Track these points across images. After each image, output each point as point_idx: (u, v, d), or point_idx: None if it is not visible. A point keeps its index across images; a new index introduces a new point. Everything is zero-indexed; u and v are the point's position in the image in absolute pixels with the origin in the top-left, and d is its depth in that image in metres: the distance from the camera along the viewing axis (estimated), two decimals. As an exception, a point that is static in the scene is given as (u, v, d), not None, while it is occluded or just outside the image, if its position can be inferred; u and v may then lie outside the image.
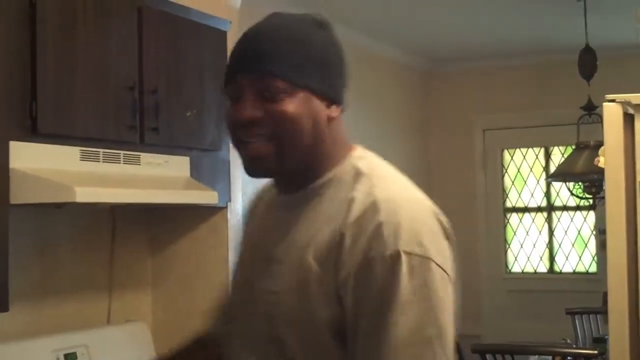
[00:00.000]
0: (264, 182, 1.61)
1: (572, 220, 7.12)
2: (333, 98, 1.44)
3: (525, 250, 7.26)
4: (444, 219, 1.40)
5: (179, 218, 3.32)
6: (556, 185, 6.87)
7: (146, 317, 3.34)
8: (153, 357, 2.98)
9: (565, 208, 7.13)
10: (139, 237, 3.35)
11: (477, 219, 7.26)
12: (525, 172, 7.31)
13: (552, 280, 7.12)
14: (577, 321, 5.41)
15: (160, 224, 3.37)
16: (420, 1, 5.36)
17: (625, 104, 2.80)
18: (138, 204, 2.88)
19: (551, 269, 7.21)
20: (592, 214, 6.89)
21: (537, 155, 7.27)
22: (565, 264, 7.14)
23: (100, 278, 3.18)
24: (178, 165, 2.96)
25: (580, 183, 5.29)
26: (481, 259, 7.19)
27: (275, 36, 1.41)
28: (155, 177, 2.83)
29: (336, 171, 1.45)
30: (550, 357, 4.14)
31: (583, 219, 7.07)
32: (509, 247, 7.33)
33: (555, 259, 7.18)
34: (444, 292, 1.31)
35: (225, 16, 3.32)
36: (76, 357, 2.87)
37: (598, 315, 5.36)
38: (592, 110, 5.24)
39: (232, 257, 3.22)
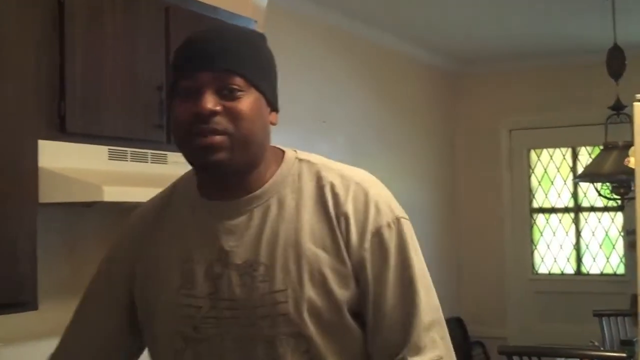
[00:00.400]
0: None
1: (599, 221, 7.06)
2: (274, 105, 1.53)
3: (552, 251, 7.22)
4: None
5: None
6: (583, 185, 6.82)
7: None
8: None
9: (592, 209, 7.08)
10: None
11: (504, 219, 7.23)
12: (552, 173, 7.26)
13: (579, 281, 7.07)
14: (604, 323, 5.37)
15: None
16: (448, 2, 5.34)
17: (655, 103, 2.78)
18: (165, 203, 2.88)
19: (578, 271, 7.15)
20: (619, 214, 6.83)
21: (564, 156, 7.22)
22: (593, 266, 7.09)
23: (127, 277, 3.19)
24: (205, 165, 2.96)
25: (608, 184, 5.25)
26: (507, 260, 7.16)
27: (235, 38, 1.48)
28: (182, 177, 2.83)
29: (285, 168, 1.54)
30: (578, 360, 4.11)
31: (611, 220, 7.01)
32: (535, 248, 7.29)
33: (583, 260, 7.13)
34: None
35: (252, 15, 3.33)
36: (103, 356, 2.88)
37: (626, 318, 5.32)
38: (620, 110, 5.19)
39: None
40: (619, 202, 5.30)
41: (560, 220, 7.21)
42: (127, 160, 2.68)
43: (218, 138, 1.43)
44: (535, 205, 7.31)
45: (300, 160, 1.55)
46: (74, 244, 2.98)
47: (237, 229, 1.49)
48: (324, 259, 1.45)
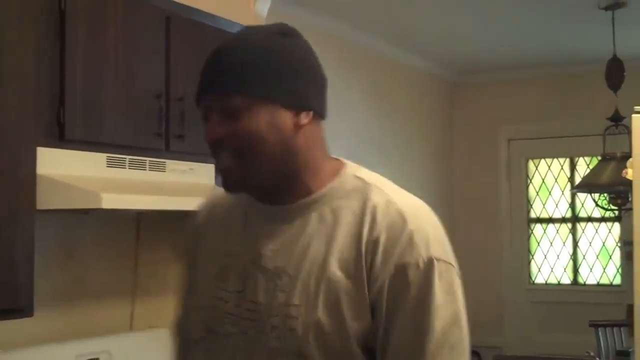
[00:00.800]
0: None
1: (596, 232, 7.07)
2: (301, 105, 1.44)
3: (549, 261, 7.22)
4: None
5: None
6: (581, 196, 6.83)
7: (169, 323, 3.34)
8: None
9: (589, 219, 7.08)
10: (163, 243, 3.36)
11: (501, 229, 7.23)
12: (550, 183, 7.27)
13: (575, 291, 7.07)
14: (600, 333, 5.37)
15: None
16: (447, 13, 5.35)
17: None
18: (163, 210, 2.89)
19: (575, 281, 7.16)
20: (617, 225, 6.84)
21: (562, 166, 7.23)
22: (589, 276, 7.09)
23: (124, 284, 3.19)
24: (203, 173, 2.97)
25: (605, 194, 5.26)
26: (504, 269, 7.16)
27: (232, 52, 1.43)
28: (180, 184, 2.84)
29: (338, 181, 1.48)
30: (574, 370, 4.12)
31: (608, 231, 7.02)
32: (532, 257, 7.29)
33: (579, 270, 7.14)
34: (462, 295, 1.43)
35: (253, 24, 3.33)
36: (99, 363, 2.89)
37: (622, 328, 5.33)
38: (619, 121, 5.21)
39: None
40: (617, 212, 5.31)
41: (557, 230, 7.22)
42: (125, 168, 2.68)
43: (229, 162, 1.42)
44: (532, 215, 7.31)
45: (357, 177, 1.49)
46: (71, 250, 2.98)
47: (276, 235, 1.47)
48: (344, 285, 1.38)
